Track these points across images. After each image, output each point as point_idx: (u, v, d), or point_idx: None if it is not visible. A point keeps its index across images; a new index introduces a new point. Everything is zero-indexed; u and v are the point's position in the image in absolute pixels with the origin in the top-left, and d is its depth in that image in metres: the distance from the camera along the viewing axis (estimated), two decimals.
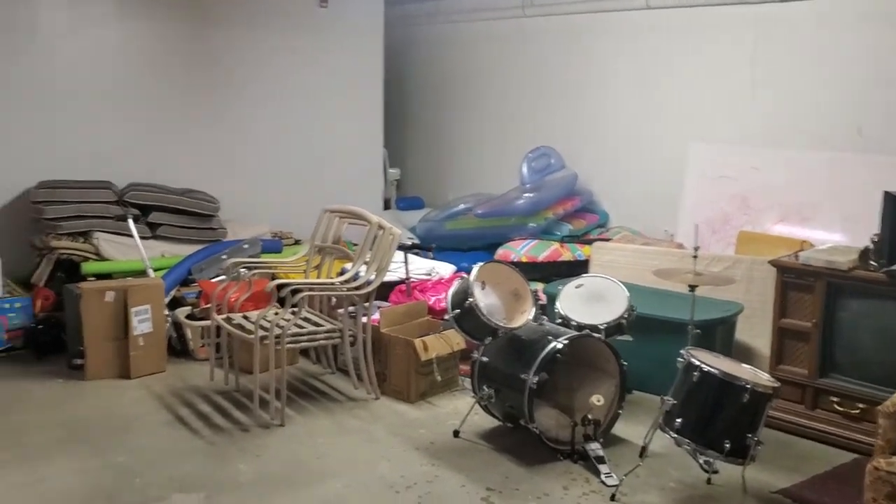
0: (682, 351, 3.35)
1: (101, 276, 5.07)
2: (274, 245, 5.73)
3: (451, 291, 3.74)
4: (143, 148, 5.82)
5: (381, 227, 4.21)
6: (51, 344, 4.86)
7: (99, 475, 3.48)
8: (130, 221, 5.13)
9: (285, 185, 6.40)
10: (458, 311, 3.67)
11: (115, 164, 5.64)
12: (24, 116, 5.33)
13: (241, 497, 3.31)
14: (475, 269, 3.70)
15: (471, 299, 3.60)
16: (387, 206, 7.04)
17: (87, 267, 5.12)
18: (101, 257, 5.21)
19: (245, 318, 4.25)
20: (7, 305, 4.89)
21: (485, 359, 3.75)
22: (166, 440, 3.83)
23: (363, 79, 6.82)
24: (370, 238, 4.24)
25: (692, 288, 3.65)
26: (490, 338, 3.69)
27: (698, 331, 3.68)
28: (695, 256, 3.73)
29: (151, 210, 5.45)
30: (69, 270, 5.15)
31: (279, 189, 6.36)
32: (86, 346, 4.54)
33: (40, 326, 4.86)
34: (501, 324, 3.64)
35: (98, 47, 5.63)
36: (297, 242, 6.05)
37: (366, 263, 4.22)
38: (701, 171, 5.39)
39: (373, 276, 4.14)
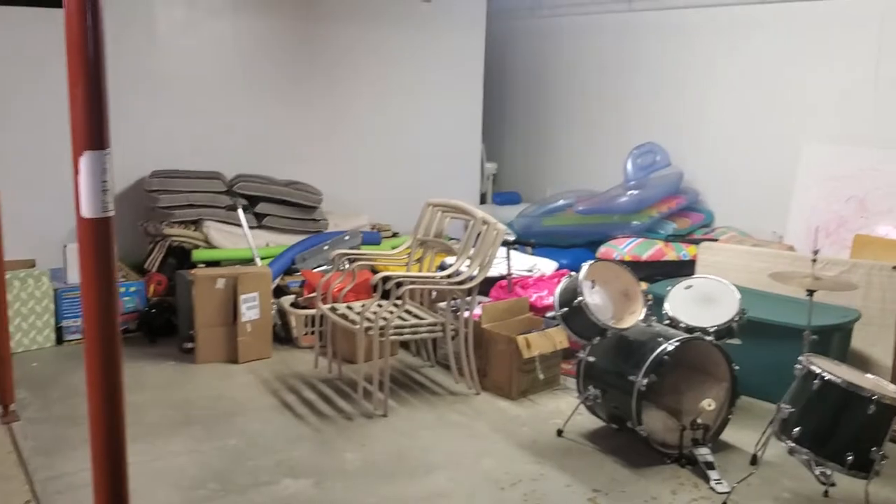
0: (800, 358, 3.24)
1: (209, 264, 5.24)
2: (373, 237, 5.81)
3: (559, 289, 3.71)
4: (250, 140, 5.98)
5: (485, 222, 4.21)
6: (163, 327, 5.05)
7: (211, 456, 3.60)
8: (241, 211, 5.28)
9: (384, 178, 6.48)
10: (566, 309, 3.63)
11: (222, 155, 5.82)
12: (139, 108, 5.54)
13: (348, 485, 3.36)
14: (585, 267, 3.65)
15: (580, 298, 3.56)
16: (483, 200, 7.04)
17: (197, 254, 5.30)
18: (210, 245, 5.38)
19: (349, 308, 4.32)
20: (122, 289, 5.10)
21: (591, 359, 3.70)
22: (274, 425, 3.93)
23: (464, 73, 6.83)
24: (474, 233, 4.24)
25: (810, 292, 3.52)
26: (598, 338, 3.65)
27: (815, 337, 3.54)
28: (814, 260, 3.59)
29: (258, 200, 5.59)
30: (180, 257, 5.34)
31: (378, 182, 6.44)
32: (196, 331, 4.70)
33: (153, 310, 5.05)
34: (611, 324, 3.58)
35: (210, 42, 5.81)
36: (395, 235, 6.11)
37: (469, 258, 4.22)
38: (815, 171, 5.18)
39: (476, 272, 4.14)
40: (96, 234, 1.96)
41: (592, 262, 3.73)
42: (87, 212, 1.94)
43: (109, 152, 1.96)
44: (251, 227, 5.43)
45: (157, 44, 5.55)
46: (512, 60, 7.56)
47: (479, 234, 4.20)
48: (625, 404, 3.51)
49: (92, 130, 1.94)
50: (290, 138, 6.16)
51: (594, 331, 3.62)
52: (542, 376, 4.24)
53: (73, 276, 5.03)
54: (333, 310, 4.29)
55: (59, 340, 4.96)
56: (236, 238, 5.42)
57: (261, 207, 5.59)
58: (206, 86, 5.81)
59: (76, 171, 1.95)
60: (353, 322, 4.08)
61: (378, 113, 6.49)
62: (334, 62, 6.28)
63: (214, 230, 5.40)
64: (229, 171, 5.78)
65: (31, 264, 5.08)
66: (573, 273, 3.76)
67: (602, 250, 5.43)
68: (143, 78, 5.53)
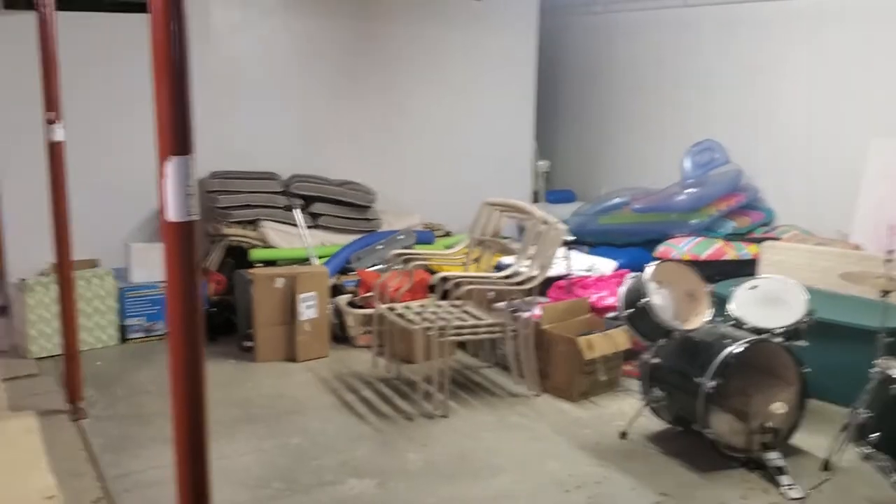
0: (876, 361, 3.15)
1: (266, 263, 5.29)
2: (426, 236, 5.81)
3: (624, 289, 3.67)
4: (304, 139, 6.02)
5: (545, 221, 4.18)
6: (222, 326, 5.11)
7: (274, 455, 3.63)
8: (298, 211, 5.32)
9: (437, 177, 6.48)
10: (632, 310, 3.59)
11: (277, 154, 5.86)
12: (197, 109, 5.59)
13: (412, 485, 3.37)
14: (650, 268, 3.61)
15: (645, 299, 3.51)
16: (535, 198, 6.99)
17: (255, 253, 5.35)
18: (266, 245, 5.43)
19: (407, 308, 4.32)
20: None
21: (656, 360, 3.65)
22: (335, 424, 3.95)
23: (516, 71, 6.80)
24: (533, 233, 4.21)
25: (885, 293, 3.43)
26: (663, 339, 3.60)
27: (891, 339, 3.45)
28: (889, 260, 3.49)
29: (313, 200, 5.63)
30: (238, 256, 5.40)
31: (430, 181, 6.44)
32: (256, 330, 4.75)
33: (213, 309, 5.11)
34: (677, 325, 3.53)
35: (265, 42, 5.86)
36: (447, 234, 6.11)
37: (529, 258, 4.19)
38: (884, 168, 5.04)
39: (536, 272, 4.11)
40: (181, 237, 1.98)
41: (658, 262, 3.68)
42: (172, 215, 1.96)
43: (194, 157, 1.98)
44: (308, 227, 5.46)
45: (212, 44, 5.61)
46: (565, 57, 7.49)
47: (538, 234, 4.17)
48: (691, 407, 3.45)
49: (177, 136, 1.96)
50: (343, 138, 6.19)
51: (659, 332, 3.58)
52: (603, 378, 4.19)
53: (137, 275, 5.12)
54: (391, 310, 4.30)
55: (123, 339, 5.05)
56: (292, 238, 5.47)
57: (316, 207, 5.62)
58: (261, 86, 5.86)
59: (162, 176, 1.97)
60: (412, 322, 4.08)
61: (430, 111, 6.49)
62: (387, 61, 6.29)
63: (271, 230, 5.44)
64: (284, 170, 5.82)
65: (94, 264, 5.18)
66: (637, 273, 3.71)
67: (660, 249, 5.36)
68: (200, 79, 5.57)
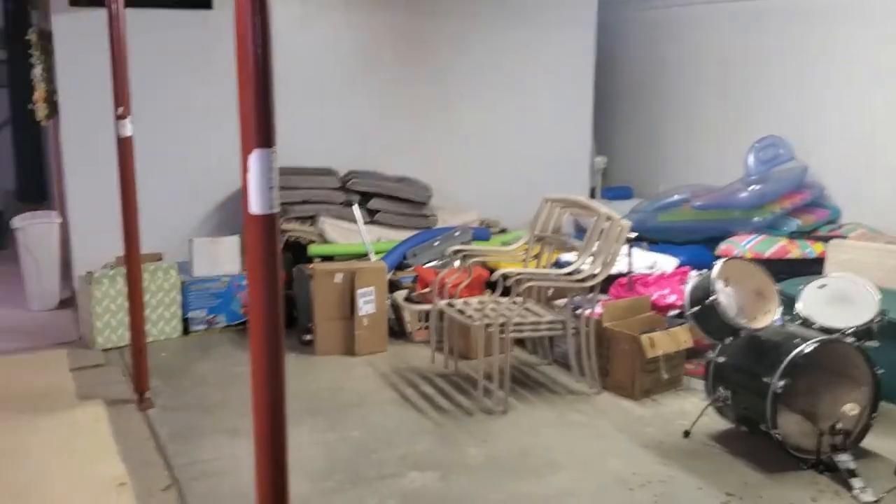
0: None
1: (324, 258, 5.34)
2: (483, 233, 5.81)
3: (690, 287, 3.62)
4: (361, 135, 6.06)
5: (608, 218, 4.15)
6: (284, 318, 5.15)
7: (337, 447, 3.66)
8: (356, 208, 5.36)
9: (493, 173, 6.47)
10: (698, 307, 3.54)
11: (335, 151, 5.91)
12: None
13: (474, 480, 3.37)
14: (718, 265, 3.56)
15: (712, 297, 3.46)
16: (592, 195, 6.94)
17: (313, 249, 5.41)
18: (324, 240, 5.48)
19: (466, 304, 4.32)
20: (245, 282, 5.25)
21: (722, 359, 3.60)
22: (395, 418, 3.97)
23: (574, 66, 6.75)
24: (597, 229, 4.18)
25: None
26: (730, 337, 3.54)
27: None
28: None
29: (370, 196, 5.67)
30: (296, 251, 5.46)
31: (487, 177, 6.43)
32: (315, 324, 4.80)
33: None
34: (745, 324, 3.48)
35: (324, 39, 5.91)
36: (503, 231, 6.10)
37: (591, 255, 4.16)
38: None
39: (598, 269, 4.08)
40: (263, 230, 2.00)
41: (726, 259, 3.63)
42: (255, 208, 1.98)
43: (276, 150, 2.01)
44: (365, 223, 5.51)
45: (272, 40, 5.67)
46: (624, 52, 7.40)
47: (601, 231, 4.14)
48: (758, 407, 3.39)
49: (261, 129, 1.98)
50: (400, 134, 6.21)
51: (726, 330, 3.52)
52: (665, 376, 4.15)
53: (199, 268, 5.21)
54: (451, 305, 4.31)
55: (185, 331, 5.15)
56: (349, 233, 5.51)
57: (373, 203, 5.66)
58: (319, 82, 5.91)
59: (245, 170, 1.99)
60: (472, 318, 4.09)
61: (488, 107, 6.48)
62: (444, 57, 6.30)
63: (329, 226, 5.50)
64: (341, 166, 5.87)
65: (158, 257, 5.28)
66: (703, 271, 3.66)
67: (722, 247, 5.27)
68: None
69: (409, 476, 3.41)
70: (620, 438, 3.75)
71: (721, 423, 3.78)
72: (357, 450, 3.65)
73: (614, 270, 4.50)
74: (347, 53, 6.02)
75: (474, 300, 4.37)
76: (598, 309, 4.26)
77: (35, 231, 5.63)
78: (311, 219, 5.56)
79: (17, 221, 5.69)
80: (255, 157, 1.98)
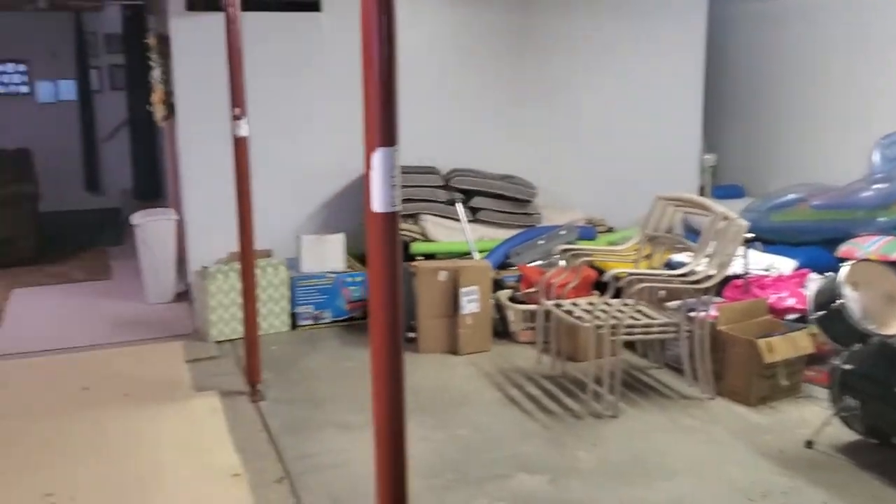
0: None
1: (427, 256, 5.36)
2: (588, 232, 5.71)
3: (814, 290, 3.45)
4: (463, 133, 6.05)
5: (725, 217, 4.00)
6: None
7: (445, 446, 3.66)
8: (460, 206, 5.36)
9: (598, 171, 6.36)
10: (823, 312, 3.37)
11: (438, 149, 5.92)
12: (359, 101, 5.74)
13: (585, 484, 3.31)
14: (846, 268, 3.38)
15: (839, 301, 3.29)
16: (701, 193, 6.73)
17: (416, 247, 5.44)
18: (426, 238, 5.50)
19: (574, 304, 4.25)
20: (349, 279, 5.33)
21: (849, 366, 3.41)
22: (502, 419, 3.94)
23: (683, 61, 6.56)
24: (712, 229, 4.03)
25: None
26: (858, 344, 3.36)
27: None
28: None
29: (473, 194, 5.66)
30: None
31: (591, 175, 6.33)
32: (418, 322, 4.82)
33: None
34: (875, 329, 3.29)
35: (427, 36, 5.93)
36: (609, 230, 5.98)
37: (707, 256, 4.02)
38: None
39: (714, 271, 3.94)
40: (385, 228, 2.01)
41: (854, 262, 3.44)
42: (377, 206, 1.99)
43: (398, 149, 2.01)
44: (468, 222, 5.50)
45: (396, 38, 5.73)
46: (735, 45, 7.12)
47: (718, 231, 3.99)
48: (890, 418, 3.21)
49: (385, 128, 1.99)
50: (502, 131, 6.18)
51: (854, 336, 3.35)
52: (784, 383, 3.97)
53: (306, 265, 5.32)
54: (558, 306, 4.24)
55: (293, 326, 5.26)
56: (451, 231, 5.52)
57: (475, 201, 5.65)
58: (421, 79, 5.93)
59: (368, 167, 2.00)
60: (581, 319, 4.01)
61: (592, 104, 6.37)
62: (548, 53, 6.23)
63: (431, 223, 5.51)
64: (444, 164, 5.88)
65: (268, 254, 5.42)
66: (828, 273, 3.49)
67: (843, 249, 5.00)
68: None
69: (518, 478, 3.37)
70: (737, 446, 3.61)
71: (847, 434, 3.58)
72: (465, 449, 3.63)
73: (729, 272, 4.35)
74: (450, 51, 6.01)
75: (583, 301, 4.29)
76: (712, 312, 4.12)
77: (153, 228, 5.87)
78: (414, 217, 5.59)
79: (136, 218, 5.94)
80: (378, 156, 1.99)
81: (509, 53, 6.14)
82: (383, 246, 2.02)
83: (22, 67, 9.07)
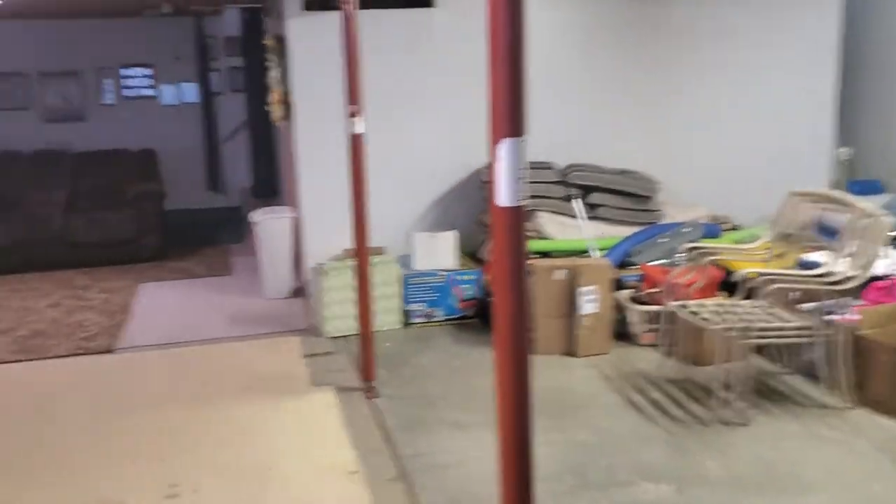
0: None
1: (542, 254, 5.23)
2: (713, 230, 5.44)
3: None
4: (579, 127, 5.88)
5: (868, 214, 3.70)
6: None
7: (565, 450, 3.54)
8: (579, 203, 5.22)
9: (722, 165, 6.06)
10: None
11: (554, 144, 5.77)
12: (470, 97, 5.67)
13: (714, 495, 3.12)
14: None
15: None
16: (834, 189, 6.33)
17: (532, 245, 5.31)
18: (542, 236, 5.38)
19: (701, 306, 4.04)
20: (461, 277, 5.27)
21: None
22: (623, 424, 3.79)
23: (814, 49, 6.16)
24: (852, 227, 3.75)
25: None
26: None
27: None
28: None
29: (591, 190, 5.49)
30: None
31: (716, 170, 6.04)
32: (534, 322, 4.70)
33: (491, 298, 5.13)
34: None
35: (542, 30, 5.80)
36: (734, 228, 5.69)
37: (847, 255, 3.74)
38: None
39: (857, 271, 3.66)
40: (511, 223, 1.91)
41: None
42: (503, 200, 1.90)
43: (526, 140, 1.91)
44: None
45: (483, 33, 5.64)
46: (872, 31, 6.66)
47: (859, 229, 3.70)
48: None
49: (512, 117, 1.89)
50: (620, 125, 5.97)
51: None
52: None
53: (419, 262, 5.29)
54: (684, 307, 4.04)
55: (405, 323, 5.24)
56: (568, 229, 5.37)
57: (593, 197, 5.48)
58: (537, 73, 5.79)
59: (494, 159, 1.91)
60: (709, 322, 3.80)
61: (715, 95, 6.07)
62: (668, 44, 5.98)
63: (547, 220, 5.38)
64: (560, 160, 5.73)
65: (381, 251, 5.42)
66: None
67: None
68: (476, 69, 5.65)
69: (641, 486, 3.22)
70: (883, 460, 3.33)
71: None
72: (586, 454, 3.51)
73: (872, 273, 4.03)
74: (566, 40, 5.86)
75: (710, 302, 4.08)
76: (852, 315, 3.82)
77: (270, 225, 5.99)
78: (529, 213, 5.48)
79: (255, 216, 6.08)
80: (505, 147, 1.89)
81: (629, 43, 5.92)
82: (509, 242, 1.93)
83: (148, 71, 9.49)
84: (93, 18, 8.93)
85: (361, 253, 4.15)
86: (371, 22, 5.25)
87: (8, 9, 6.90)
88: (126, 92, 9.48)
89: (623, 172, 5.62)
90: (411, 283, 5.23)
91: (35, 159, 8.01)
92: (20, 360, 4.95)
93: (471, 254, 5.60)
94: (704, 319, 3.85)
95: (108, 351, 5.07)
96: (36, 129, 9.07)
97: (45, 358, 4.97)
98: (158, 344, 5.16)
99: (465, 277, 5.28)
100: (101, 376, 4.71)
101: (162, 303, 6.11)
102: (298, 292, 6.03)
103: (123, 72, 9.40)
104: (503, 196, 1.90)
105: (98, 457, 3.66)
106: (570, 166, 5.64)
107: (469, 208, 5.74)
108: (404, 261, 5.36)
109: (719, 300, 4.16)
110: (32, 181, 7.73)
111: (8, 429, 4.00)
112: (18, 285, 6.65)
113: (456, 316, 5.27)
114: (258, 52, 6.96)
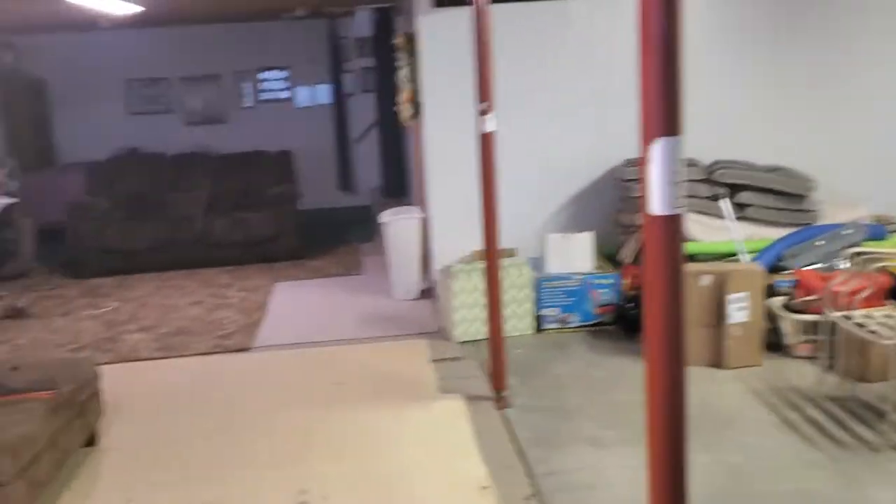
0: None
1: (686, 258, 4.89)
2: (877, 231, 4.93)
3: None
4: (726, 122, 5.48)
5: None
6: (640, 322, 4.84)
7: (713, 472, 3.25)
8: (726, 202, 4.86)
9: (888, 160, 5.52)
10: None
11: (696, 139, 5.36)
12: (611, 93, 5.40)
13: None
14: None
15: None
16: None
17: None
18: (686, 238, 5.03)
19: (868, 316, 3.63)
20: (598, 281, 5.02)
21: None
22: (779, 445, 3.44)
23: None
24: None
25: None
26: None
27: None
28: None
29: (739, 189, 5.10)
30: None
31: (880, 166, 5.50)
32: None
33: (630, 304, 4.86)
34: None
35: (689, 14, 5.45)
36: None
37: None
38: None
39: None
40: (665, 233, 1.69)
41: None
42: (657, 207, 1.68)
43: (682, 139, 1.68)
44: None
45: (625, 22, 5.36)
46: None
47: None
48: None
49: (667, 114, 1.67)
50: (770, 118, 5.54)
51: None
52: None
53: (552, 265, 5.08)
54: (847, 318, 3.64)
55: (538, 329, 5.04)
56: (713, 231, 5.01)
57: (742, 197, 5.08)
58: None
59: (645, 161, 1.69)
60: (879, 335, 3.40)
61: (880, 84, 5.53)
62: (828, 31, 5.49)
63: (691, 222, 5.03)
64: (704, 156, 5.36)
65: (512, 253, 5.25)
66: None
67: None
68: (613, 62, 5.37)
69: None
70: None
71: None
72: (737, 477, 3.21)
73: None
74: (707, 32, 5.48)
75: (878, 312, 3.65)
76: None
77: (399, 226, 5.94)
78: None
79: (385, 216, 6.04)
80: (659, 147, 1.67)
81: (781, 31, 5.48)
82: (664, 254, 1.71)
83: (284, 74, 9.71)
84: (231, 23, 9.21)
85: (491, 254, 3.99)
86: (503, 16, 5.08)
87: (151, 16, 7.17)
88: (263, 95, 9.74)
89: (775, 169, 5.19)
90: (544, 287, 5.03)
91: (178, 161, 8.33)
92: (159, 358, 5.09)
93: (608, 256, 5.33)
94: (872, 332, 3.45)
95: (244, 349, 5.14)
96: (179, 132, 9.47)
97: (184, 355, 5.10)
98: (291, 343, 5.19)
99: (602, 281, 5.02)
100: (236, 375, 4.77)
101: (295, 302, 6.18)
102: (427, 294, 5.94)
103: (261, 75, 9.67)
104: (657, 203, 1.68)
105: (232, 457, 3.68)
106: (715, 163, 5.26)
107: (606, 208, 5.47)
108: (537, 263, 5.16)
109: (888, 310, 3.72)
110: (176, 183, 8.04)
111: (147, 427, 4.09)
112: (162, 283, 6.91)
113: (592, 322, 5.02)
114: (388, 52, 6.94)
